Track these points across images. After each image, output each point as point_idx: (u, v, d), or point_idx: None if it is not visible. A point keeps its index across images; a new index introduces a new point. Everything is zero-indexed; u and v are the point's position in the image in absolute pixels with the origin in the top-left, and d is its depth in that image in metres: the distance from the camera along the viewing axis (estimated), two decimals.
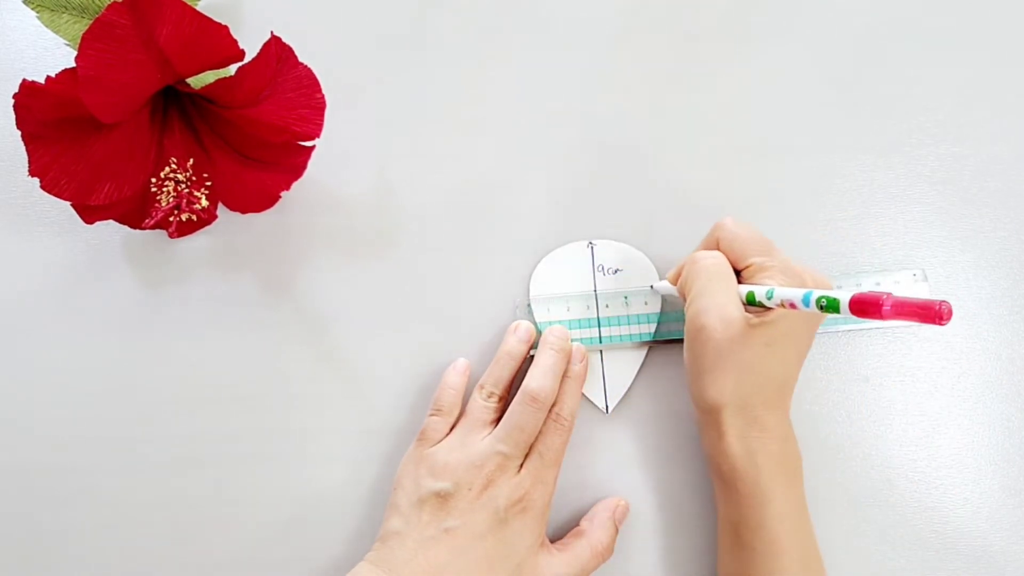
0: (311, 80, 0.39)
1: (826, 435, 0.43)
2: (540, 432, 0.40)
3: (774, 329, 0.36)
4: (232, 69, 0.36)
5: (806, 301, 0.32)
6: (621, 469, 0.43)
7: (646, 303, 0.43)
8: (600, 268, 0.44)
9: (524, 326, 0.43)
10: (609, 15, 0.48)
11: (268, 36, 0.36)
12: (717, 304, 0.36)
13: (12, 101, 0.35)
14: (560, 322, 0.43)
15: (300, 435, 0.44)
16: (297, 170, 0.43)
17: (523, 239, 0.45)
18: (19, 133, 0.36)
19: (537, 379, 0.40)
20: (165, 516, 0.43)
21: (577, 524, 0.41)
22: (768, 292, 0.35)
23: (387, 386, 0.44)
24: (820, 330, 0.43)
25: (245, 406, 0.44)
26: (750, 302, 0.36)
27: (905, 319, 0.27)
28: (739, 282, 0.38)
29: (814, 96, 0.47)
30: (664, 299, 0.43)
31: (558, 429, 0.40)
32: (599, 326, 0.43)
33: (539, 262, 0.45)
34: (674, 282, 0.41)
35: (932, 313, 0.26)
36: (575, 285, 0.44)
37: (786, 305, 0.34)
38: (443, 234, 0.46)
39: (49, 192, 0.38)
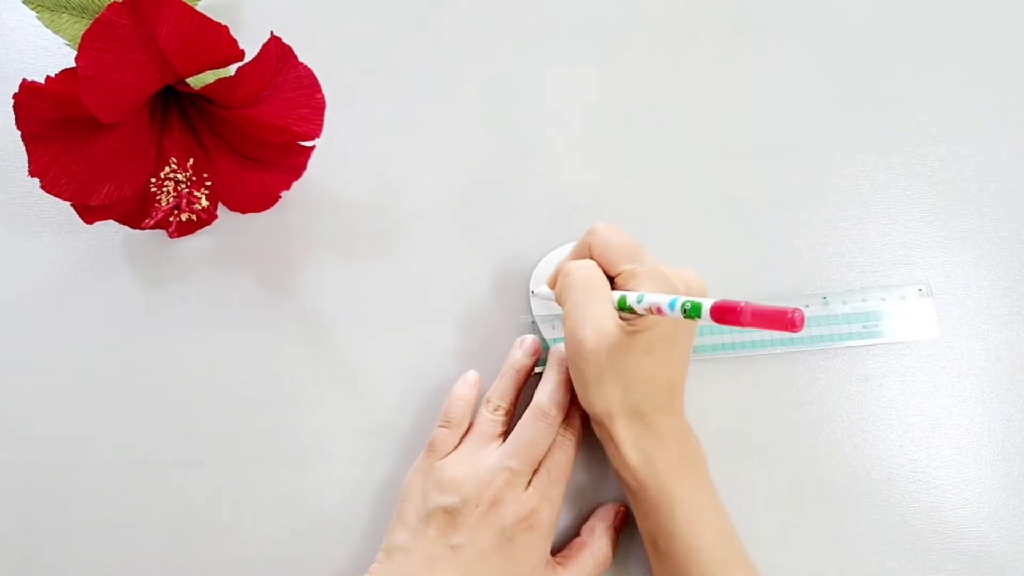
0: (311, 80, 0.39)
1: (826, 435, 0.43)
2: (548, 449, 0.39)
3: (650, 335, 0.36)
4: (232, 69, 0.36)
5: (671, 306, 0.32)
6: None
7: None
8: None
9: (530, 340, 0.43)
10: (609, 15, 0.48)
11: (268, 36, 0.36)
12: (592, 316, 0.36)
13: (12, 101, 0.35)
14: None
15: (300, 435, 0.44)
16: (297, 170, 0.43)
17: (523, 239, 0.45)
18: (19, 133, 0.36)
19: (549, 395, 0.40)
20: (165, 516, 0.43)
21: (577, 533, 0.41)
22: (639, 298, 0.35)
23: (387, 386, 0.44)
24: (824, 345, 0.43)
25: (245, 406, 0.44)
26: (622, 308, 0.36)
27: (762, 327, 0.28)
28: (612, 288, 0.37)
29: (814, 96, 0.47)
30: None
31: (565, 445, 0.40)
32: None
33: (539, 262, 0.45)
34: (553, 287, 0.40)
35: (785, 321, 0.27)
36: None
37: (654, 311, 0.34)
38: (443, 234, 0.46)
39: (49, 192, 0.38)
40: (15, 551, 0.43)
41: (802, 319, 0.27)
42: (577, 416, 0.41)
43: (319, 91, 0.40)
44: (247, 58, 0.36)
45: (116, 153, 0.38)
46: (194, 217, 0.41)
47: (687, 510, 0.36)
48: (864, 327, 0.43)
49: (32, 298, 0.45)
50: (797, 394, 0.43)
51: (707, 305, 0.30)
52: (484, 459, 0.39)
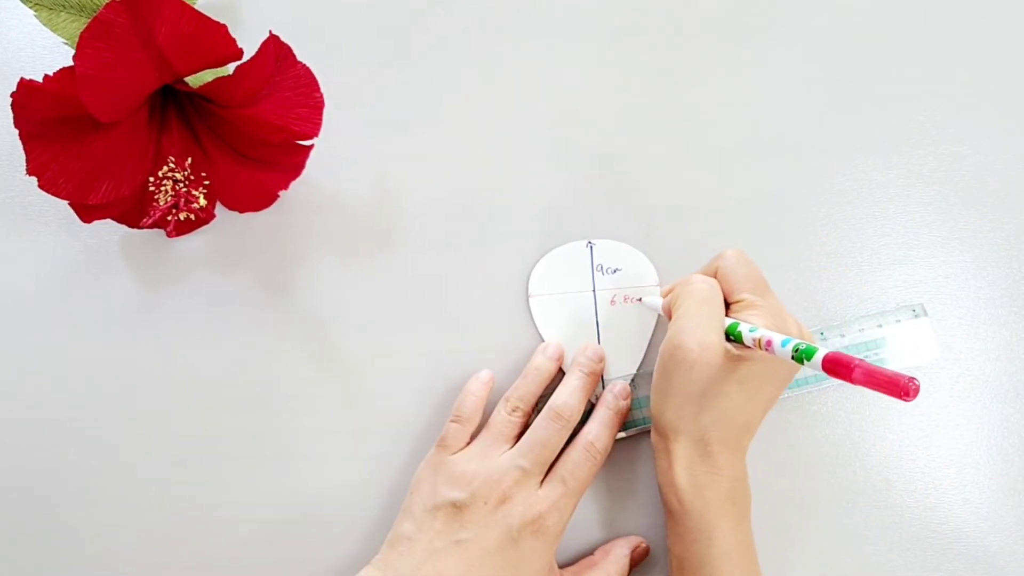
0: (310, 79, 0.39)
1: (826, 435, 0.43)
2: (566, 456, 0.39)
3: (751, 368, 0.35)
4: (230, 68, 0.36)
5: (783, 344, 0.32)
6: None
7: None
8: (599, 267, 0.44)
9: (554, 346, 0.42)
10: (609, 15, 0.48)
11: (267, 35, 0.36)
12: (701, 329, 0.35)
13: (10, 100, 0.35)
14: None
15: (299, 435, 0.44)
16: (296, 169, 0.43)
17: (523, 239, 0.45)
18: (17, 132, 0.36)
19: (563, 396, 0.39)
20: (164, 516, 0.43)
21: (591, 553, 0.41)
22: (751, 328, 0.35)
23: (386, 386, 0.44)
24: (828, 384, 0.42)
25: (244, 406, 0.44)
26: (731, 333, 0.36)
27: (873, 388, 0.27)
28: (727, 315, 0.37)
29: (814, 96, 0.47)
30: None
31: (588, 459, 0.39)
32: (597, 322, 0.43)
33: (538, 261, 0.45)
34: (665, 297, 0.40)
35: (898, 388, 0.26)
36: (574, 284, 0.44)
37: (763, 345, 0.34)
38: (443, 234, 0.45)
39: (47, 191, 0.38)
40: (14, 551, 0.43)
41: (917, 389, 0.26)
42: (608, 436, 0.40)
43: (318, 90, 0.40)
44: (246, 57, 0.36)
45: (114, 152, 0.38)
46: (192, 216, 0.40)
47: (726, 544, 0.36)
48: (867, 357, 0.42)
49: (29, 297, 0.45)
50: (796, 397, 0.43)
51: (820, 355, 0.30)
52: (496, 458, 0.39)
